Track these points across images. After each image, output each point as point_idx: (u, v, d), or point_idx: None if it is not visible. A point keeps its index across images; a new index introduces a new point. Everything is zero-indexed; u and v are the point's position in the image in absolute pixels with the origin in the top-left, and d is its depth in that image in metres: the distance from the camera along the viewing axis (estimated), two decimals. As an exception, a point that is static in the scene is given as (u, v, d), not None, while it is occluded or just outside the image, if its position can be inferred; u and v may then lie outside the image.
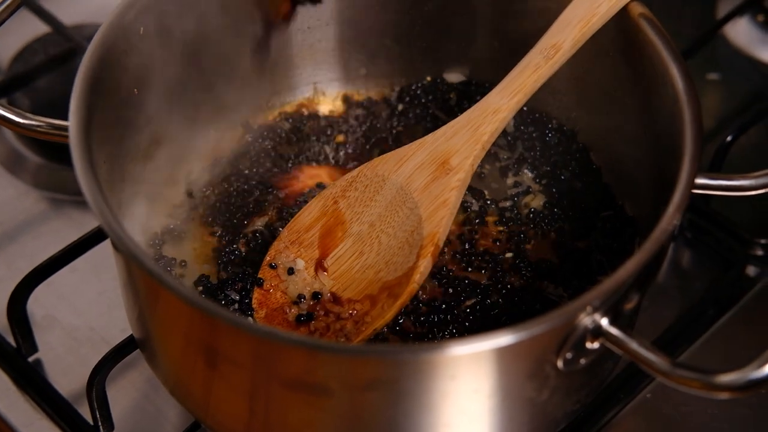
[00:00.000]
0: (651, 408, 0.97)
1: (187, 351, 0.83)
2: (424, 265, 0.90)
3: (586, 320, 0.75)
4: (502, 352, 0.74)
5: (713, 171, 1.07)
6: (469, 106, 0.96)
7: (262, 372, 0.78)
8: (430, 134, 0.95)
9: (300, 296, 0.92)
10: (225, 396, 0.83)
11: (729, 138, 1.09)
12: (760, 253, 1.08)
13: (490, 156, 1.05)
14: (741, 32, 1.28)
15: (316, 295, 0.92)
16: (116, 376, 0.97)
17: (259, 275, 0.94)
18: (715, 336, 1.03)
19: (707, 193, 0.83)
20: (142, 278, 0.81)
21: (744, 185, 0.84)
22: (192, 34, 0.98)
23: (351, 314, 0.90)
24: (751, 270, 1.07)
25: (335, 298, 0.92)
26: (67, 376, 0.99)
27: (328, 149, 1.07)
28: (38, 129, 0.87)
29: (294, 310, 0.92)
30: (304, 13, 1.05)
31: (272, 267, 0.94)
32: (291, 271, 0.94)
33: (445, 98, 1.09)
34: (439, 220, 0.91)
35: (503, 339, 0.72)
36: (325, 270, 0.93)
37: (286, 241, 0.95)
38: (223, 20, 1.00)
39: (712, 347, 1.02)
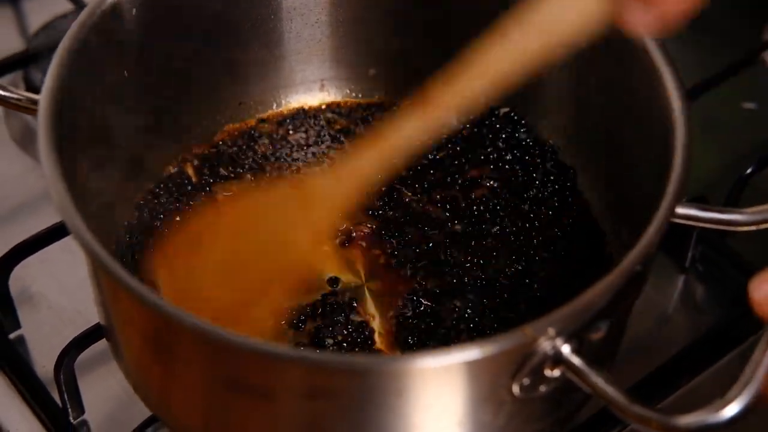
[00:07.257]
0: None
1: (144, 348, 0.81)
2: None
3: (545, 345, 0.71)
4: (449, 371, 0.71)
5: (730, 203, 1.03)
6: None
7: (207, 371, 0.75)
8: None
9: None
10: (180, 396, 0.81)
11: (750, 170, 1.04)
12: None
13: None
14: (785, 61, 1.22)
15: None
16: (95, 362, 0.96)
17: None
18: (717, 373, 0.98)
19: (694, 224, 0.79)
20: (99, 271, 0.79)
21: (735, 220, 0.79)
22: (192, 19, 0.96)
23: None
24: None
25: None
26: (47, 357, 0.97)
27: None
28: (18, 103, 0.85)
29: None
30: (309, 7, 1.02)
31: None
32: None
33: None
34: None
35: (449, 358, 0.69)
36: None
37: None
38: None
39: (713, 384, 0.97)
